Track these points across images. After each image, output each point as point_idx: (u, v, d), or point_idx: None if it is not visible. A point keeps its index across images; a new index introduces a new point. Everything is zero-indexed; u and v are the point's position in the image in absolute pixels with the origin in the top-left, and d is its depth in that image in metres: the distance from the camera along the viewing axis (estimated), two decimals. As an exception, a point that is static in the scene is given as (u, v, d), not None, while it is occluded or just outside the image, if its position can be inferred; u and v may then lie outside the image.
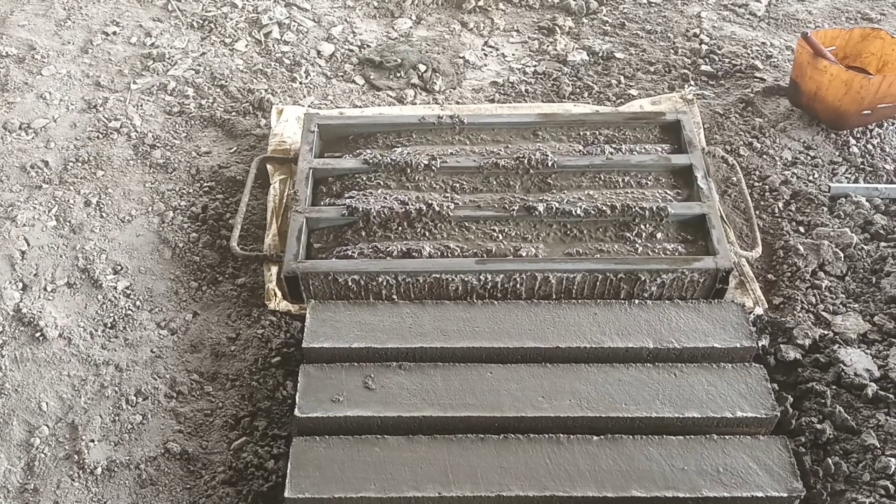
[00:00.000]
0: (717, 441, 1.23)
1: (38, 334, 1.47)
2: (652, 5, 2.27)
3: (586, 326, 1.37)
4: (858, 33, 1.92)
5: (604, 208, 1.54)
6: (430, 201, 1.55)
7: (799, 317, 1.49)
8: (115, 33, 2.17)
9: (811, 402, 1.35)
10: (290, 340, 1.48)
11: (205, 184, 1.77)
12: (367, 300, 1.46)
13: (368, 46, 2.15)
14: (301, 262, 1.47)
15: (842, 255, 1.58)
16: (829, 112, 1.83)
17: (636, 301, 1.42)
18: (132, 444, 1.34)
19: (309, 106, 1.95)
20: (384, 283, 1.45)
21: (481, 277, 1.45)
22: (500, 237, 1.53)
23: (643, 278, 1.44)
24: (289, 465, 1.20)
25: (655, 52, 2.11)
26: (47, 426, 1.36)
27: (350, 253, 1.49)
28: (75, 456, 1.32)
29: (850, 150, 1.81)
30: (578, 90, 2.00)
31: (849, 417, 1.32)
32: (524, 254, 1.49)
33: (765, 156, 1.81)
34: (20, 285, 1.54)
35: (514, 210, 1.54)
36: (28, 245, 1.61)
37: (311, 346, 1.35)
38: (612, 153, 1.66)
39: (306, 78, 2.05)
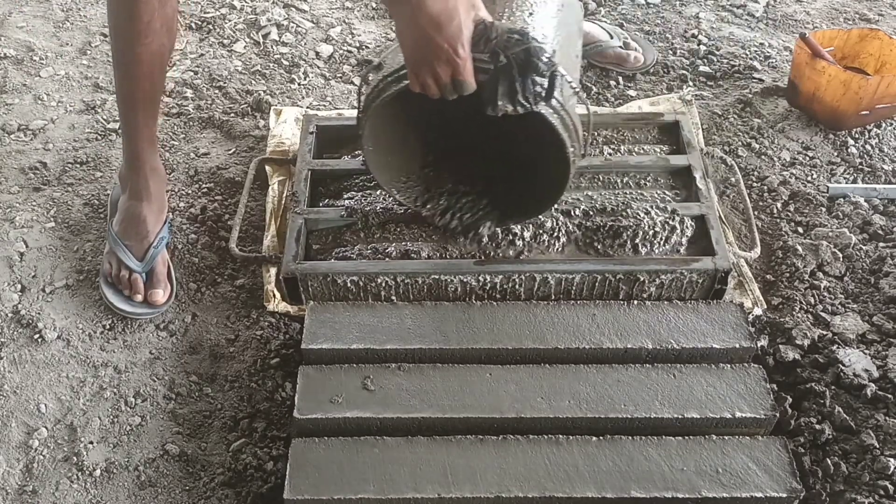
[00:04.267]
0: (716, 442, 1.23)
1: (36, 336, 1.46)
2: (650, 6, 2.28)
3: (585, 327, 1.37)
4: (856, 34, 1.92)
5: (603, 209, 1.54)
6: (428, 202, 1.55)
7: (798, 317, 1.49)
8: (113, 35, 2.17)
9: (810, 403, 1.35)
10: (288, 342, 1.48)
11: (203, 185, 1.77)
12: (366, 301, 1.46)
13: (367, 48, 2.15)
14: (300, 263, 1.47)
15: (840, 255, 1.58)
16: (828, 113, 1.84)
17: (635, 302, 1.42)
18: (131, 445, 1.34)
19: (307, 107, 1.95)
20: (383, 285, 1.45)
21: (480, 279, 1.45)
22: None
23: (642, 279, 1.44)
24: (288, 467, 1.20)
25: (654, 52, 2.11)
26: (46, 428, 1.36)
27: (349, 254, 1.49)
28: (74, 458, 1.32)
29: (849, 150, 1.82)
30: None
31: (848, 418, 1.32)
32: (523, 255, 1.49)
33: (763, 156, 1.81)
34: (19, 287, 1.54)
35: (512, 211, 1.54)
36: (27, 247, 1.61)
37: (309, 347, 1.35)
38: (610, 154, 1.66)
39: (305, 79, 2.05)
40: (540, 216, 1.48)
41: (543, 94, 1.19)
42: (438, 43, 1.13)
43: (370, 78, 1.33)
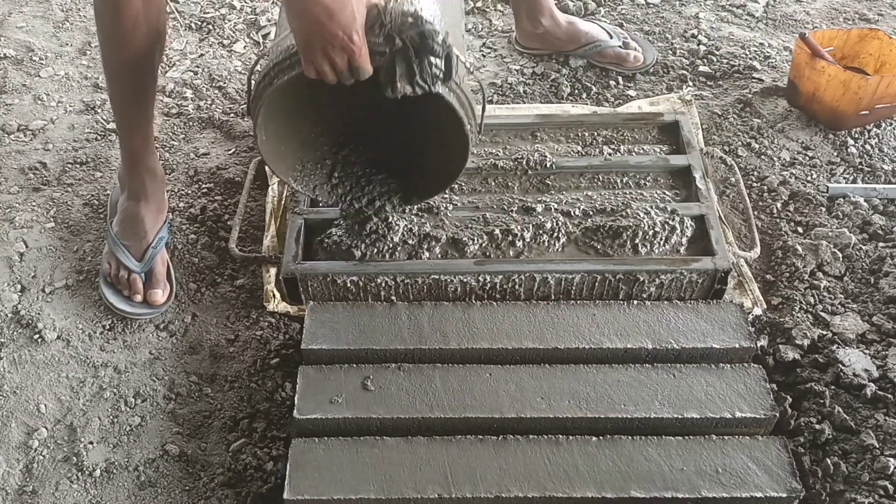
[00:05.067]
0: (715, 441, 1.23)
1: (36, 336, 1.46)
2: (650, 6, 2.28)
3: (585, 327, 1.37)
4: (856, 34, 1.92)
5: (602, 209, 1.54)
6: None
7: (797, 317, 1.49)
8: (113, 35, 2.17)
9: (810, 403, 1.35)
10: (288, 342, 1.48)
11: (203, 185, 1.77)
12: (365, 301, 1.46)
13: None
14: (300, 263, 1.47)
15: (840, 255, 1.58)
16: (827, 112, 1.84)
17: (635, 302, 1.42)
18: (131, 445, 1.34)
19: (307, 107, 1.95)
20: (383, 285, 1.45)
21: (480, 279, 1.45)
22: (499, 238, 1.53)
23: (642, 279, 1.44)
24: (288, 467, 1.20)
25: (653, 52, 2.11)
26: (46, 428, 1.36)
27: (349, 254, 1.49)
28: (74, 458, 1.32)
29: (849, 150, 1.82)
30: (577, 91, 2.00)
31: (847, 418, 1.32)
32: (523, 255, 1.49)
33: (763, 156, 1.81)
34: (18, 287, 1.54)
35: (512, 211, 1.54)
36: (26, 247, 1.61)
37: (309, 347, 1.35)
38: (610, 154, 1.66)
39: (305, 79, 2.05)
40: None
41: (441, 76, 1.19)
42: (332, 31, 1.12)
43: (258, 67, 1.32)
